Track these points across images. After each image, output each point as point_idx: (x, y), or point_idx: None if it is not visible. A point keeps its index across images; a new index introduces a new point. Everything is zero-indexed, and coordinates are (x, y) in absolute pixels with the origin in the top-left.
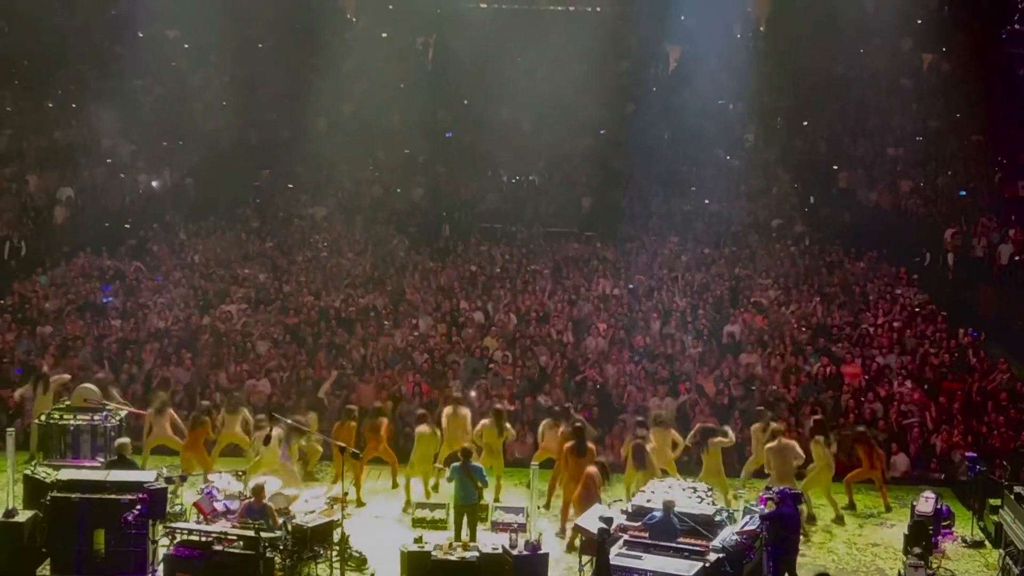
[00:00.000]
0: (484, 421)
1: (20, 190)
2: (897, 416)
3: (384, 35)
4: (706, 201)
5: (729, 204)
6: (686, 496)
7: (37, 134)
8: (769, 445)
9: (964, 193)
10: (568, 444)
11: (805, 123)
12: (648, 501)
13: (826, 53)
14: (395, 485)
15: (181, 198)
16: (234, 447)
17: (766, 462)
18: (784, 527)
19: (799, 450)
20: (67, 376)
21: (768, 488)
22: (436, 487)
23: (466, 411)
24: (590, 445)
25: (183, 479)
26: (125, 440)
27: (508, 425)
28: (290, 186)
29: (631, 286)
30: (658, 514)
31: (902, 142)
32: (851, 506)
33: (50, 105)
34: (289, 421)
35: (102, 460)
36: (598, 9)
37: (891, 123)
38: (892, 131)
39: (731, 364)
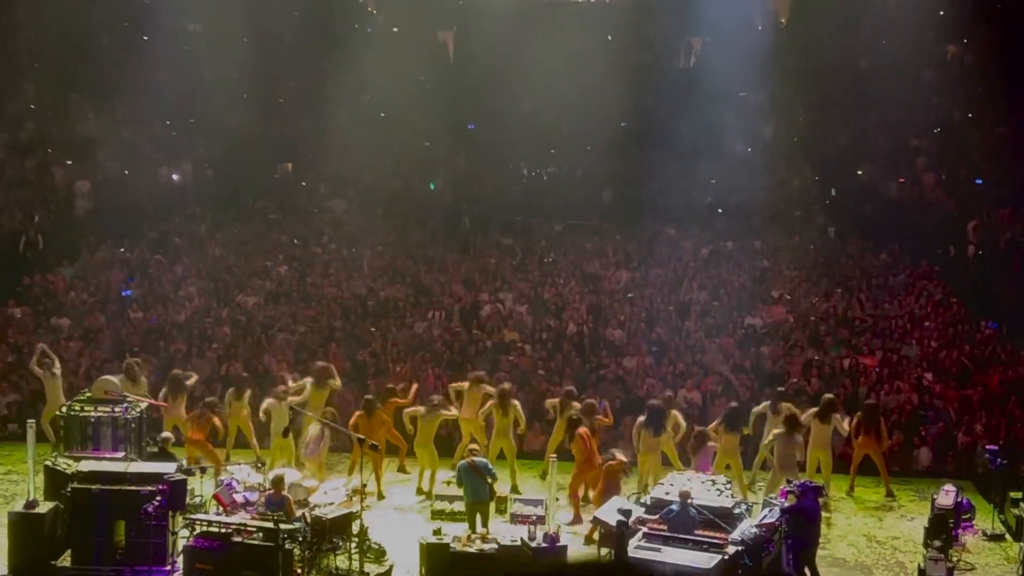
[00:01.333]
0: (491, 401)
1: (42, 182)
2: (917, 408)
3: (405, 29)
4: (727, 193)
5: (750, 196)
6: (705, 489)
7: (59, 126)
8: (777, 431)
9: (980, 182)
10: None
11: (826, 115)
12: (667, 494)
13: (848, 45)
14: (401, 470)
15: (202, 191)
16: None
17: (771, 448)
18: (805, 520)
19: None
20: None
21: (789, 481)
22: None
23: (488, 389)
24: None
25: (190, 472)
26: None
27: (517, 404)
28: (303, 183)
29: (650, 278)
30: (675, 507)
31: (924, 134)
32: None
33: (72, 97)
34: (309, 413)
35: (125, 451)
36: (619, 1)
37: (913, 115)
38: (914, 123)
39: (752, 356)
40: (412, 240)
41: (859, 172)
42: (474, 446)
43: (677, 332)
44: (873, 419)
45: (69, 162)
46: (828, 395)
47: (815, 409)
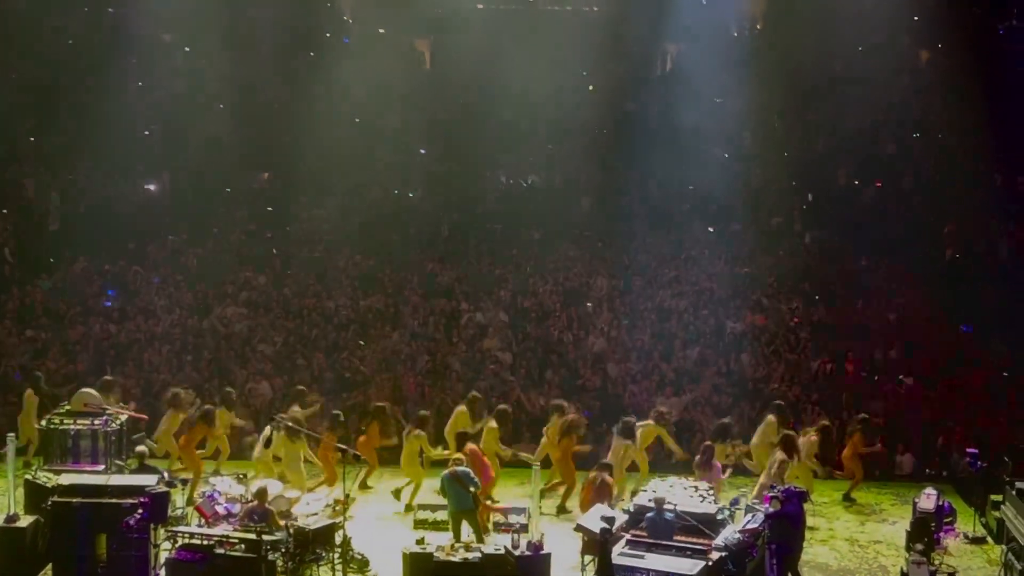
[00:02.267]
0: (459, 408)
1: (16, 194)
2: (896, 412)
3: (381, 37)
4: (705, 199)
5: (729, 202)
6: (687, 495)
7: (32, 137)
8: (780, 456)
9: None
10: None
11: (803, 120)
12: (649, 501)
13: (824, 50)
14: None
15: (179, 201)
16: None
17: (754, 454)
18: (789, 525)
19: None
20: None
21: (773, 487)
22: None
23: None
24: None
25: (172, 484)
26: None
27: (487, 415)
28: (280, 193)
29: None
30: (651, 514)
31: (901, 139)
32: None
33: (46, 108)
34: (289, 423)
35: (106, 464)
36: (595, 8)
37: (889, 119)
38: (890, 127)
39: (732, 363)
40: (391, 249)
41: (837, 179)
42: (458, 456)
43: (658, 339)
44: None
45: (41, 175)
46: (824, 423)
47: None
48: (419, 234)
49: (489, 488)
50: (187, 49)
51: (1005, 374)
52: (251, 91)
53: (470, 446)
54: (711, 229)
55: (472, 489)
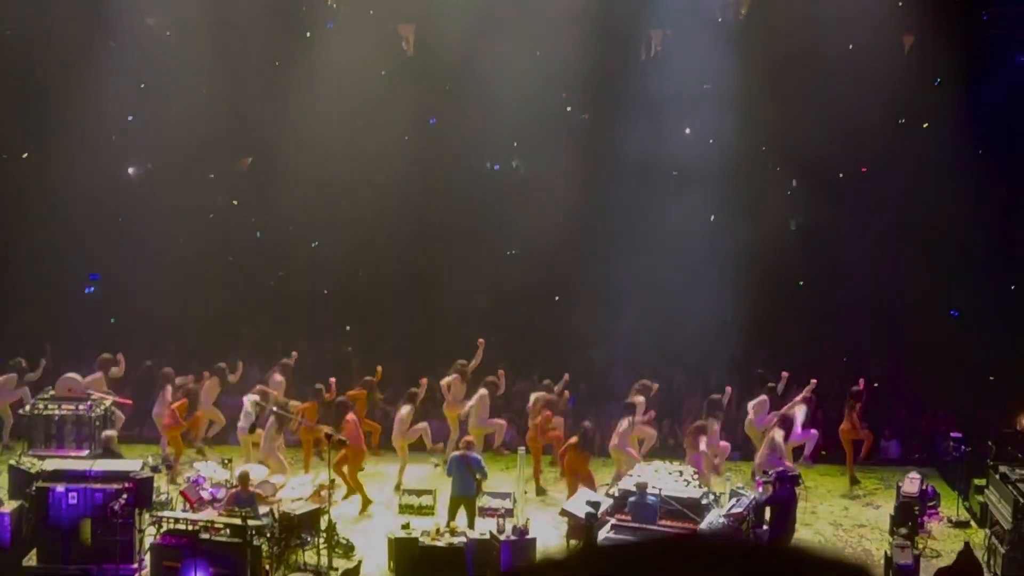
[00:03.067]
0: (449, 377)
1: None
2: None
3: (365, 20)
4: (690, 186)
5: (713, 188)
6: (672, 480)
7: (14, 120)
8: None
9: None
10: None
11: (787, 106)
12: (633, 485)
13: (808, 36)
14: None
15: (161, 186)
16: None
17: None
18: (781, 509)
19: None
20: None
21: (765, 472)
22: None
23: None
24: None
25: (156, 469)
26: (112, 433)
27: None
28: (263, 177)
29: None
30: (633, 498)
31: (884, 124)
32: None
33: (27, 93)
34: (275, 408)
35: (89, 449)
36: None
37: (873, 104)
38: (874, 112)
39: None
40: (374, 233)
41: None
42: (469, 438)
43: (645, 321)
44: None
45: (24, 157)
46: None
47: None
48: (403, 220)
49: (360, 460)
50: (169, 33)
51: (989, 359)
52: (234, 76)
53: (350, 416)
54: (712, 217)
55: (479, 476)
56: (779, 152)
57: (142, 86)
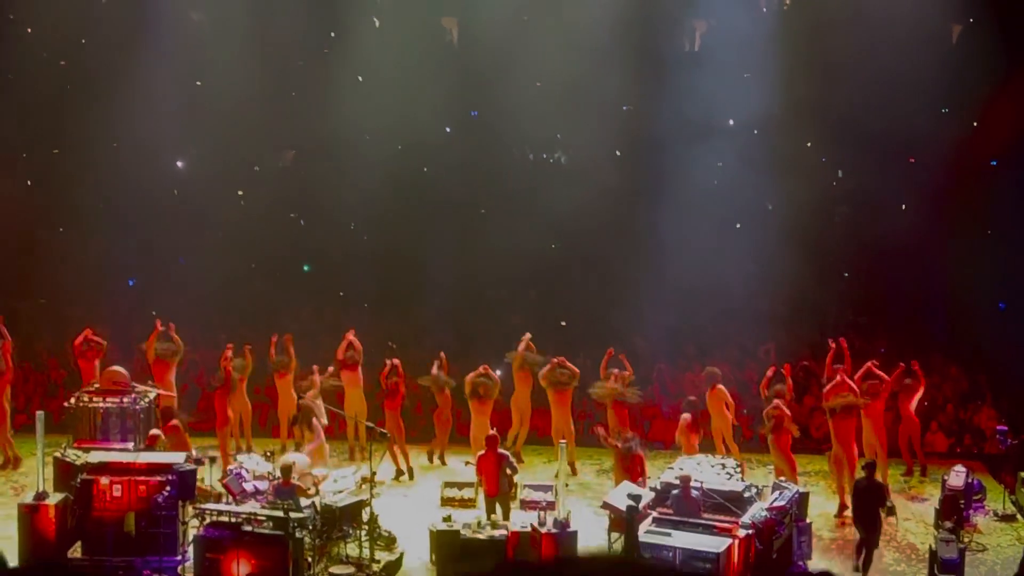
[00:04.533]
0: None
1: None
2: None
3: (408, 13)
4: (734, 176)
5: (758, 179)
6: (714, 472)
7: (60, 117)
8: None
9: (995, 163)
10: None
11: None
12: (675, 478)
13: (853, 25)
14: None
15: (205, 179)
16: None
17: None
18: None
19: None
20: None
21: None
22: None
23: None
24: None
25: (199, 461)
26: (157, 432)
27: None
28: (305, 170)
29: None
30: (676, 491)
31: (931, 113)
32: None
33: (72, 87)
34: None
35: (134, 442)
36: None
37: (919, 94)
38: (919, 102)
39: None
40: (417, 224)
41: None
42: (492, 432)
43: (686, 315)
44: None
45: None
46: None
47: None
48: (445, 211)
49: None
50: (213, 28)
51: None
52: (277, 70)
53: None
54: (770, 206)
55: (509, 471)
56: (825, 142)
57: (198, 83)
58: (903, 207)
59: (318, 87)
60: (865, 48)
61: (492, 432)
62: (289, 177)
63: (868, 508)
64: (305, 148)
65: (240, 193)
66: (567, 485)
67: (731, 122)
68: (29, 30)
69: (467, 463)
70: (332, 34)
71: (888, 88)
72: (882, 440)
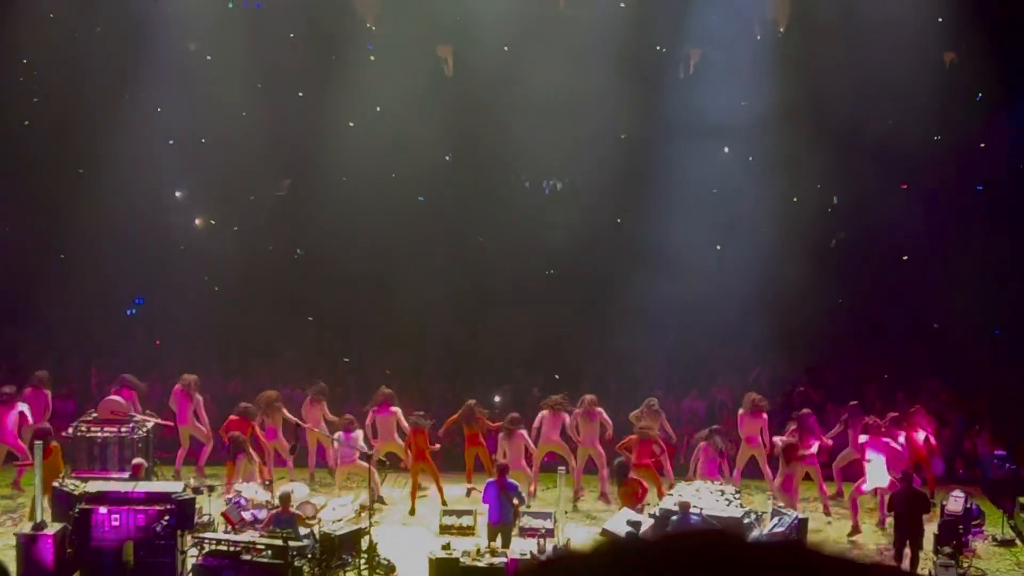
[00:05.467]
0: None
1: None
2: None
3: (404, 42)
4: (730, 202)
5: (754, 206)
6: (714, 499)
7: (60, 145)
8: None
9: (980, 188)
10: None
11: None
12: (675, 504)
13: (847, 53)
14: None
15: (203, 207)
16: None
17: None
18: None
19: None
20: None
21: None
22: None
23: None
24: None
25: (198, 490)
26: (140, 460)
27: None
28: (302, 198)
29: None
30: (675, 518)
31: (924, 141)
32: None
33: (72, 116)
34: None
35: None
36: (618, 9)
37: (913, 122)
38: (913, 129)
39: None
40: (414, 253)
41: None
42: (504, 463)
43: (684, 339)
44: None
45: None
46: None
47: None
48: (442, 239)
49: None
50: (209, 58)
51: None
52: (273, 98)
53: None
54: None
55: (516, 502)
56: (820, 169)
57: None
58: (897, 235)
59: (313, 116)
60: (859, 75)
61: (503, 461)
62: (285, 206)
63: (914, 517)
64: (301, 177)
65: (235, 229)
66: (566, 512)
67: (726, 149)
68: (25, 61)
69: (470, 490)
70: (330, 60)
71: (882, 115)
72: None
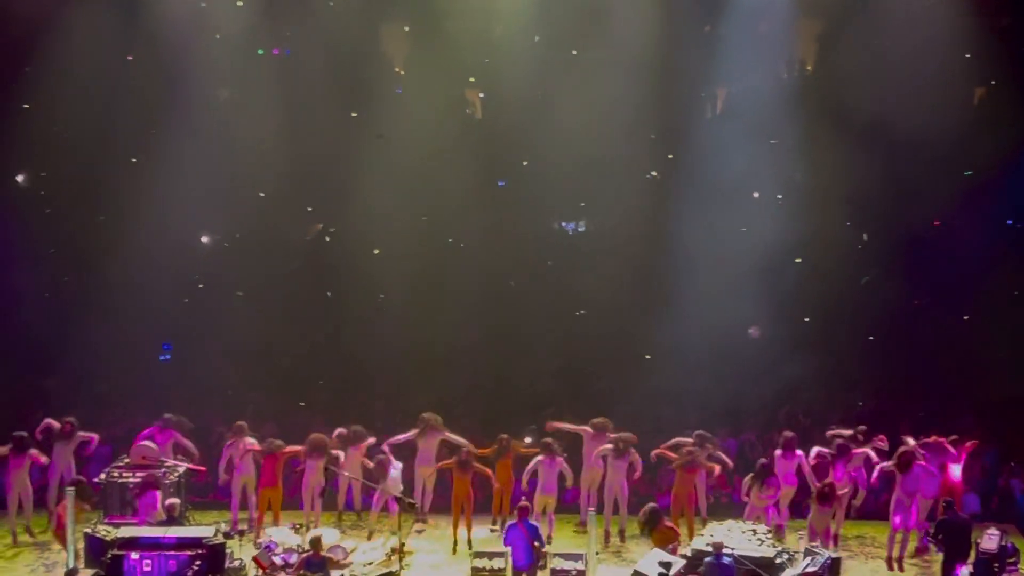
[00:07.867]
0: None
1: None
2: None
3: (432, 86)
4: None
5: (782, 245)
6: (745, 539)
7: (89, 190)
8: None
9: (1011, 223)
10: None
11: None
12: (707, 545)
13: (875, 89)
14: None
15: (233, 255)
16: None
17: None
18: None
19: None
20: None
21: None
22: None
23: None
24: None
25: (229, 535)
26: (175, 500)
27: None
28: (331, 242)
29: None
30: (708, 559)
31: (955, 176)
32: None
33: (102, 163)
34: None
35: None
36: (645, 50)
37: (943, 157)
38: (945, 165)
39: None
40: (444, 294)
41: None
42: (524, 504)
43: (715, 379)
44: None
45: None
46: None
47: None
48: (474, 282)
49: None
50: (240, 105)
51: None
52: (303, 144)
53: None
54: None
55: (536, 544)
56: (850, 208)
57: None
58: (929, 272)
59: (343, 161)
60: (888, 112)
61: (523, 503)
62: (315, 250)
63: (964, 543)
64: (331, 221)
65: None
66: (597, 553)
67: (756, 195)
68: (56, 114)
69: (492, 529)
70: (359, 104)
71: (911, 151)
72: None
